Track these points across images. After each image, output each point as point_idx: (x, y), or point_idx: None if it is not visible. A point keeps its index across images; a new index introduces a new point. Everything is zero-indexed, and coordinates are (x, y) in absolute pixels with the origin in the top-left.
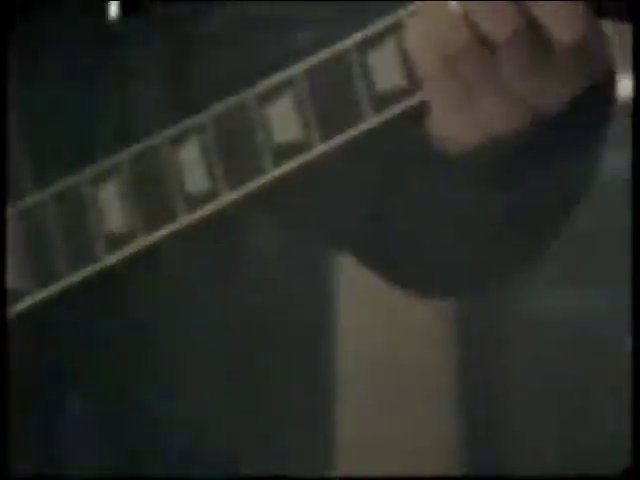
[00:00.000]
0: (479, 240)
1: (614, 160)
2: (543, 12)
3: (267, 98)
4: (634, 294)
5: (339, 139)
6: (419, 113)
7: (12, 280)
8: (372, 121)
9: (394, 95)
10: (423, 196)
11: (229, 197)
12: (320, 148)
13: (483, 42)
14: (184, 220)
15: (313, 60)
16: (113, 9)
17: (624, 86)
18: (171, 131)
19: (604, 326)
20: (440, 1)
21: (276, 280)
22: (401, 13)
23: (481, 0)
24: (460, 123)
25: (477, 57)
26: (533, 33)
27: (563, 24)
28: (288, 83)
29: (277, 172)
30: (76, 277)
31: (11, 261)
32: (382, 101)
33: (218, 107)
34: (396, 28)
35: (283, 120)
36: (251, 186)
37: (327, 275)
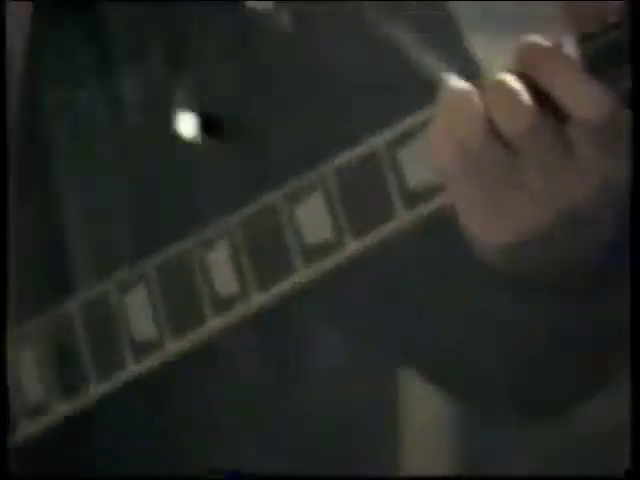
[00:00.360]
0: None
1: None
2: (563, 92)
3: (296, 198)
4: (633, 294)
5: (371, 237)
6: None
7: (38, 393)
8: (404, 218)
9: (427, 192)
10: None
11: (259, 299)
12: (352, 247)
13: (502, 139)
14: (214, 323)
15: (343, 158)
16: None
17: None
18: (201, 235)
19: None
20: (460, 98)
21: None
22: (432, 110)
23: (497, 94)
24: (485, 223)
25: (497, 155)
26: (553, 127)
27: (584, 103)
28: (318, 182)
29: (309, 272)
30: (105, 387)
31: (36, 373)
32: (414, 198)
33: (247, 209)
34: (426, 124)
35: (313, 220)
36: (282, 287)
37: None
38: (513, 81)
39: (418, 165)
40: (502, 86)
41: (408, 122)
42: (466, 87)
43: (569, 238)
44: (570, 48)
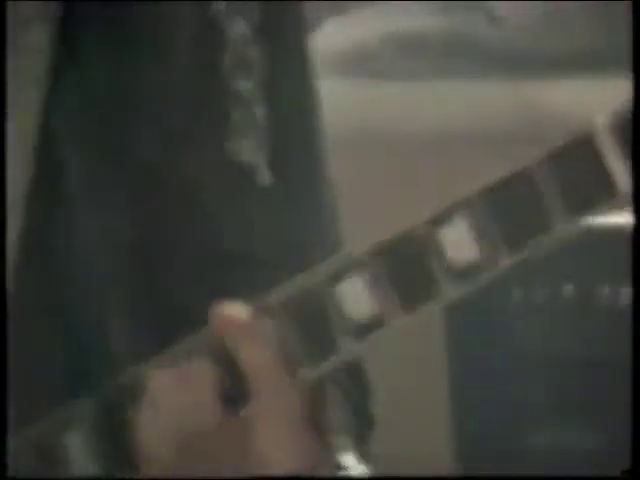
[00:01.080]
0: None
1: None
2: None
3: (337, 279)
4: (634, 293)
5: (420, 313)
6: None
7: None
8: (449, 296)
9: (469, 270)
10: None
11: (311, 375)
12: (400, 320)
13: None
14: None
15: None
16: None
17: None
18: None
19: None
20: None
21: None
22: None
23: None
24: None
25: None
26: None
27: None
28: (362, 264)
29: (358, 348)
30: None
31: None
32: (458, 276)
33: (290, 289)
34: (466, 205)
35: (358, 298)
36: (332, 363)
37: None
38: (206, 372)
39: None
40: (193, 381)
41: (448, 202)
42: (166, 377)
43: None
44: None
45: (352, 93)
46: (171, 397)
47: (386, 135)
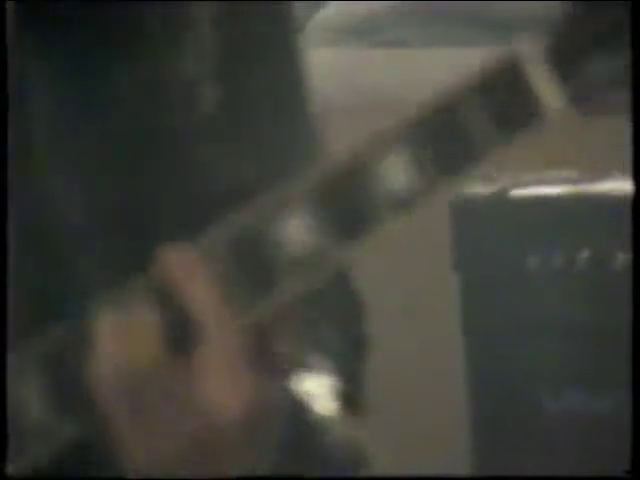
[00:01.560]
0: None
1: None
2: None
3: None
4: (634, 294)
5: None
6: None
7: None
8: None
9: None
10: None
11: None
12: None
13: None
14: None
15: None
16: None
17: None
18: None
19: None
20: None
21: None
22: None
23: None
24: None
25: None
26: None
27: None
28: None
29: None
30: None
31: None
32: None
33: (229, 226)
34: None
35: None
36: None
37: None
38: (149, 316)
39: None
40: (136, 326)
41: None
42: (111, 323)
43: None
44: None
45: (364, 60)
46: (116, 345)
47: (397, 101)
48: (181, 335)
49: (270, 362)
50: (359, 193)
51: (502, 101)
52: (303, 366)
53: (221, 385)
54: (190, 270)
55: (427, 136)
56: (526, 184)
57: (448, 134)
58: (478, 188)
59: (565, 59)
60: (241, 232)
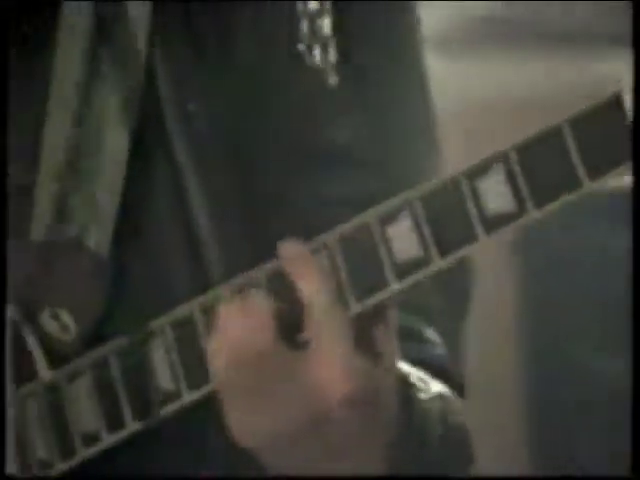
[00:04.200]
0: None
1: None
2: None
3: (387, 220)
4: (634, 294)
5: (455, 256)
6: None
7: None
8: (483, 240)
9: (504, 218)
10: None
11: (355, 308)
12: (439, 264)
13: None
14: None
15: (427, 186)
16: None
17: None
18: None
19: None
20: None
21: None
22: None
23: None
24: (241, 428)
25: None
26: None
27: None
28: (406, 205)
29: (400, 286)
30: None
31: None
32: (493, 223)
33: (343, 227)
34: (502, 157)
35: (403, 239)
36: (377, 298)
37: None
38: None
39: (496, 193)
40: (251, 308)
41: (486, 157)
42: (233, 307)
43: (319, 444)
44: None
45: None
46: (236, 324)
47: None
48: (295, 322)
49: (377, 349)
50: (458, 210)
51: (601, 137)
52: (410, 352)
53: (332, 368)
54: (306, 264)
55: (527, 162)
56: None
57: (548, 162)
58: None
59: None
60: (355, 232)
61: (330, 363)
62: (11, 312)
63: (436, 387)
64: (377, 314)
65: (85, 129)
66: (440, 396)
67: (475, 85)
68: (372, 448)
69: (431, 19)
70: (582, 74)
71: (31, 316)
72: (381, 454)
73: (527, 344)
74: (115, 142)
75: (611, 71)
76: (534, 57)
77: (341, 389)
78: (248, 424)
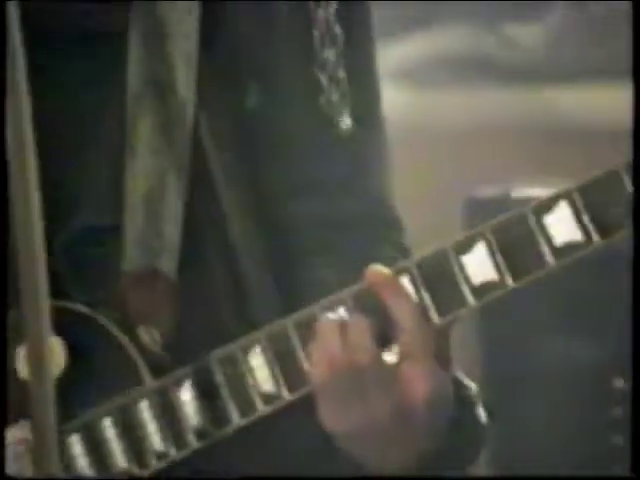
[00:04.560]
0: None
1: None
2: (394, 310)
3: (463, 250)
4: (634, 296)
5: (527, 280)
6: None
7: None
8: (553, 267)
9: (571, 247)
10: None
11: (441, 322)
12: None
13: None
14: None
15: (497, 220)
16: None
17: None
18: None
19: None
20: (328, 333)
21: None
22: (571, 186)
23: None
24: (333, 417)
25: (353, 373)
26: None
27: (407, 322)
28: (479, 236)
29: (476, 304)
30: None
31: None
32: (561, 252)
33: (423, 254)
34: (566, 194)
35: (479, 265)
36: (455, 314)
37: None
38: (360, 324)
39: (563, 226)
40: (352, 328)
41: (551, 195)
42: (332, 324)
43: (399, 437)
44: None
45: (403, 97)
46: (335, 338)
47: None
48: (384, 334)
49: (447, 358)
50: (526, 240)
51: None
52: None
53: (418, 375)
54: (394, 285)
55: (589, 198)
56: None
57: (609, 201)
58: (486, 191)
59: None
60: (432, 258)
61: (418, 370)
62: (110, 327)
63: (472, 384)
64: (444, 329)
65: (154, 177)
66: (478, 392)
67: (433, 111)
68: (431, 436)
69: (396, 53)
70: (523, 105)
71: (130, 332)
72: (435, 441)
73: (486, 327)
74: (175, 187)
75: (552, 102)
76: (480, 89)
77: (424, 391)
78: (340, 415)
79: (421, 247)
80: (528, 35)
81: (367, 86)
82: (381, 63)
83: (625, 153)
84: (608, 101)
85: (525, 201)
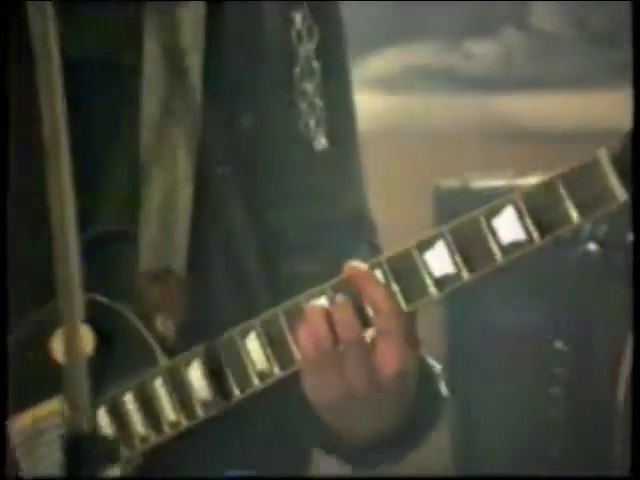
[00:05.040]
0: None
1: None
2: (371, 303)
3: (426, 247)
4: (635, 295)
5: (480, 273)
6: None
7: None
8: (501, 262)
9: (515, 246)
10: None
11: (407, 309)
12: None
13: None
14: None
15: (455, 222)
16: None
17: None
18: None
19: None
20: (316, 317)
21: None
22: (515, 194)
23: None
24: (317, 391)
25: (336, 351)
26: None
27: (383, 313)
28: (440, 236)
29: (438, 294)
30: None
31: None
32: (507, 250)
33: (393, 251)
34: (512, 201)
35: (439, 261)
36: (420, 302)
37: None
38: (347, 306)
39: (507, 229)
40: (339, 310)
41: (499, 201)
42: (319, 309)
43: (372, 407)
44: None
45: (379, 102)
46: (322, 319)
47: (400, 131)
48: (361, 318)
49: (415, 339)
50: (478, 240)
51: (587, 189)
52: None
53: (388, 351)
54: (371, 278)
55: (531, 202)
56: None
57: (546, 206)
58: (449, 182)
59: (628, 168)
60: (400, 255)
61: (390, 349)
62: (131, 316)
63: (435, 363)
64: (412, 315)
65: (166, 190)
66: (440, 370)
67: (404, 114)
68: (399, 407)
69: (373, 64)
70: (480, 109)
71: (147, 321)
72: (402, 411)
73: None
74: (183, 198)
75: (504, 107)
76: (444, 95)
77: (395, 367)
78: (322, 388)
79: (399, 228)
80: (484, 50)
81: (342, 110)
82: (360, 73)
83: (566, 151)
84: (553, 107)
85: (481, 190)
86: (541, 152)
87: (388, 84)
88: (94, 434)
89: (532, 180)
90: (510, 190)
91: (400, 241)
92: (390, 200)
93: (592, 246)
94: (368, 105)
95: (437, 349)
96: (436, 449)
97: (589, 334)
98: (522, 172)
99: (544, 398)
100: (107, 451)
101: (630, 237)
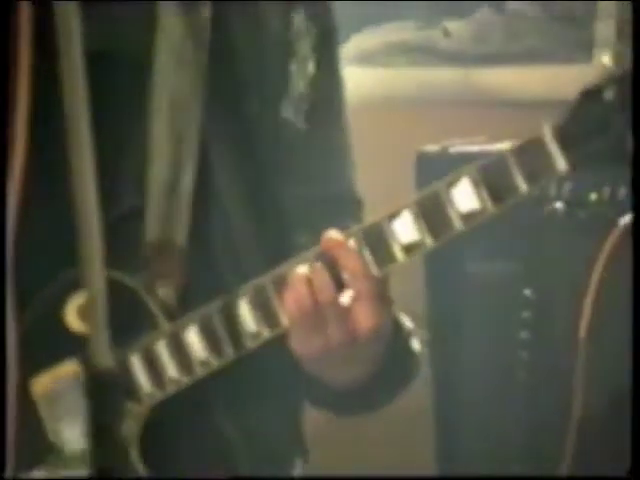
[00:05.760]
0: None
1: None
2: (348, 272)
3: (394, 217)
4: (635, 294)
5: (443, 240)
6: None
7: None
8: (461, 229)
9: (472, 214)
10: None
11: (378, 273)
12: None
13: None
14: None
15: (420, 194)
16: None
17: None
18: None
19: None
20: (298, 282)
21: None
22: (471, 166)
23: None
24: (302, 345)
25: (316, 311)
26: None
27: (358, 278)
28: (406, 206)
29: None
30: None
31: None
32: (465, 217)
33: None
34: (468, 172)
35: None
36: (390, 267)
37: None
38: (322, 271)
39: (464, 198)
40: (316, 274)
41: (456, 173)
42: (302, 275)
43: (350, 360)
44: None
45: (366, 75)
46: (304, 283)
47: (383, 99)
48: (338, 283)
49: (387, 299)
50: (440, 209)
51: (533, 161)
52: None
53: (364, 310)
54: (345, 247)
55: (485, 174)
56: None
57: (498, 177)
58: (431, 148)
59: (571, 139)
60: (371, 226)
61: (365, 309)
62: (133, 283)
63: (408, 321)
64: (384, 278)
65: (171, 170)
66: (413, 328)
67: (389, 86)
68: (375, 357)
69: (360, 41)
70: (456, 81)
71: (151, 289)
72: (378, 361)
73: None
74: (186, 183)
75: (478, 80)
76: (425, 69)
77: (370, 324)
78: (307, 344)
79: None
80: (461, 28)
81: (331, 104)
82: (348, 50)
83: (535, 117)
84: (523, 78)
85: (459, 155)
86: (512, 119)
87: (373, 60)
88: (114, 372)
89: (504, 145)
90: (486, 155)
91: (386, 203)
92: (376, 167)
93: (558, 204)
94: (356, 79)
95: (416, 303)
96: (418, 392)
97: (555, 282)
98: (496, 137)
99: (512, 339)
100: (127, 389)
101: (593, 196)
